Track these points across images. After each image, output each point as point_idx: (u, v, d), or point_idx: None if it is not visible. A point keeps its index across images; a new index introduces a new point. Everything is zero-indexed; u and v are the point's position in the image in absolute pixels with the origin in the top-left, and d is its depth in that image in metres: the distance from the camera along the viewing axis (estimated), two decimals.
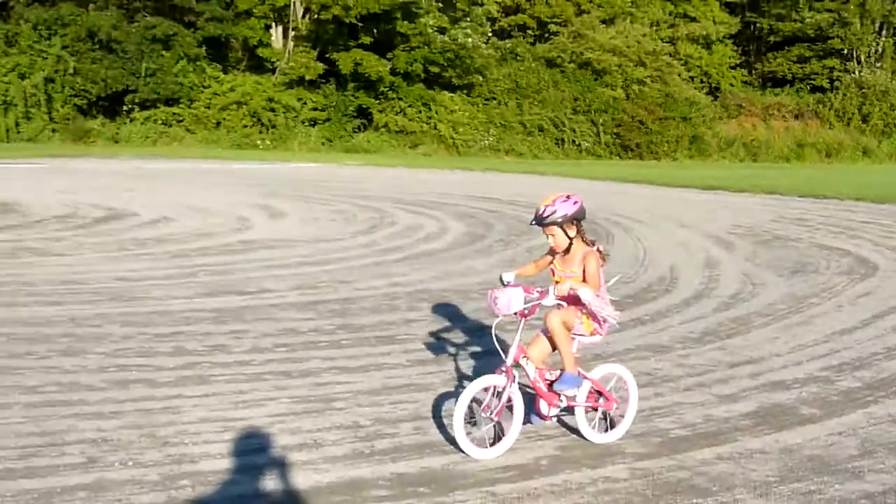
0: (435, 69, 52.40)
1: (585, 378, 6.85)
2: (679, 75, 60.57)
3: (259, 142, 50.99)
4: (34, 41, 49.73)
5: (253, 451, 6.61)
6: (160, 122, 51.12)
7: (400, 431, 7.00)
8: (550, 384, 6.73)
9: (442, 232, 19.11)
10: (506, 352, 6.60)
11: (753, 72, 68.87)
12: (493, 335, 7.01)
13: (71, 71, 49.56)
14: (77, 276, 13.12)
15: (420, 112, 53.10)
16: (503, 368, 6.53)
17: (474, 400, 6.49)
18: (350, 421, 7.25)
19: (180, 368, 8.63)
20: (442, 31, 51.87)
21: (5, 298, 11.52)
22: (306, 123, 52.56)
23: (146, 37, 49.72)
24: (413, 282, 13.56)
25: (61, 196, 23.36)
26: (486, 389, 6.50)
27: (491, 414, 6.47)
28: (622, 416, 7.03)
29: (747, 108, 61.62)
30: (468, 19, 54.22)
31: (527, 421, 6.80)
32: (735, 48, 66.35)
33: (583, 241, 6.75)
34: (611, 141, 55.87)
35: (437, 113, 53.19)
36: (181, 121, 51.48)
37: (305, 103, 52.53)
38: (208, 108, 51.45)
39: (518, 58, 58.36)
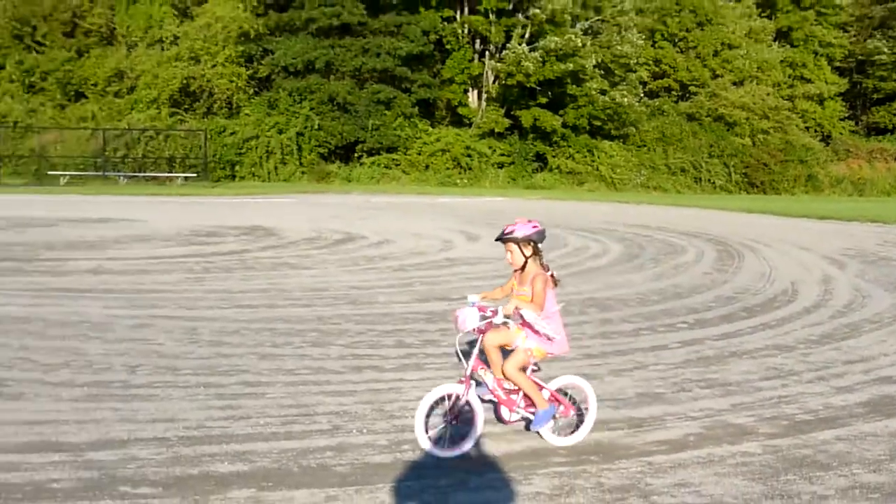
0: (597, 122, 52.00)
1: (544, 388, 6.35)
2: (797, 126, 58.80)
3: (458, 181, 51.31)
4: (289, 105, 51.27)
5: None
6: (383, 165, 51.92)
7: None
8: (510, 392, 6.26)
9: (604, 252, 18.87)
10: (466, 363, 6.13)
11: (859, 122, 66.27)
12: (456, 348, 6.61)
13: (316, 127, 50.86)
14: (322, 285, 13.43)
15: (585, 157, 52.69)
16: (462, 378, 6.10)
17: (443, 399, 6.08)
18: None
19: (401, 358, 8.74)
20: (603, 92, 51.39)
21: (269, 302, 11.87)
22: (495, 166, 52.66)
23: (372, 100, 50.69)
24: (582, 291, 13.41)
25: (309, 223, 23.96)
26: (446, 397, 6.07)
27: (452, 418, 6.05)
28: (582, 422, 6.45)
29: (854, 153, 59.36)
30: (624, 83, 53.54)
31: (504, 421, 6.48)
32: (844, 104, 63.87)
33: (538, 263, 6.34)
34: (740, 180, 54.45)
35: (598, 157, 52.70)
36: (398, 165, 52.19)
37: (495, 150, 52.67)
38: (419, 154, 52.03)
39: (664, 113, 57.42)
